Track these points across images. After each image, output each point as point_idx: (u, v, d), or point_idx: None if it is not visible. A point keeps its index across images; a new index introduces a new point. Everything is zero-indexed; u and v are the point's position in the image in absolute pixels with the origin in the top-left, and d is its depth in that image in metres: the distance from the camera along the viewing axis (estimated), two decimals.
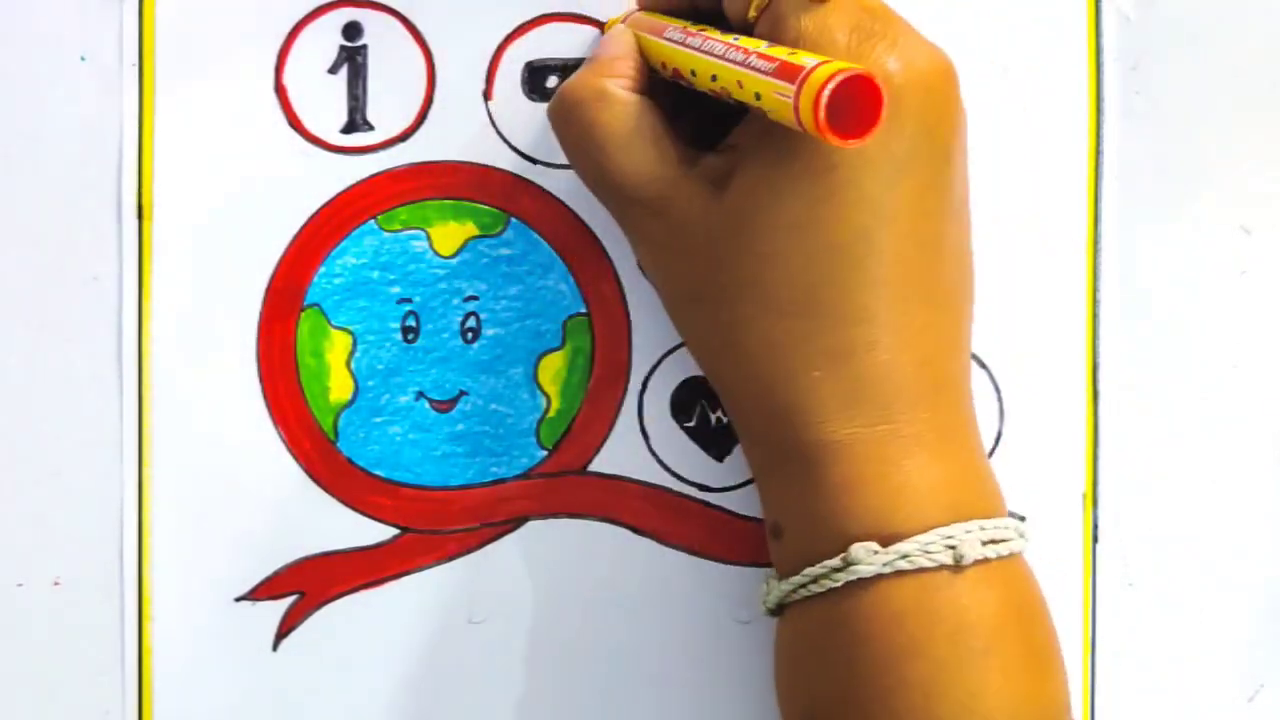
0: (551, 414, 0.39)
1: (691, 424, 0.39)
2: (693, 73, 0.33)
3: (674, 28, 0.34)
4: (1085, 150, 0.40)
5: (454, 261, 0.38)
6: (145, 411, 0.38)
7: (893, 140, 0.31)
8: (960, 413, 0.34)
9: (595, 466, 0.39)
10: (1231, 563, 0.40)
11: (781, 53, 0.30)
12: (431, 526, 0.38)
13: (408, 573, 0.38)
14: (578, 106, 0.34)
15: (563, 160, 0.38)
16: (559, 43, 0.39)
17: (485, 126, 0.38)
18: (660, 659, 0.39)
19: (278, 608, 0.38)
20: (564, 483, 0.39)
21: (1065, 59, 0.40)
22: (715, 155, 0.34)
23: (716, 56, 0.32)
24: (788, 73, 0.29)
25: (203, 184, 0.38)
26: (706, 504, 0.39)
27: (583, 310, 0.39)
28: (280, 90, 0.38)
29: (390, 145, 0.38)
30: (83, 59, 0.38)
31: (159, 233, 0.38)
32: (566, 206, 0.39)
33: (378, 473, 0.38)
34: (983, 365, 0.39)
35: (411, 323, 0.38)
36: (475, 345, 0.38)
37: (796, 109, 0.28)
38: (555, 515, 0.39)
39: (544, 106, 0.39)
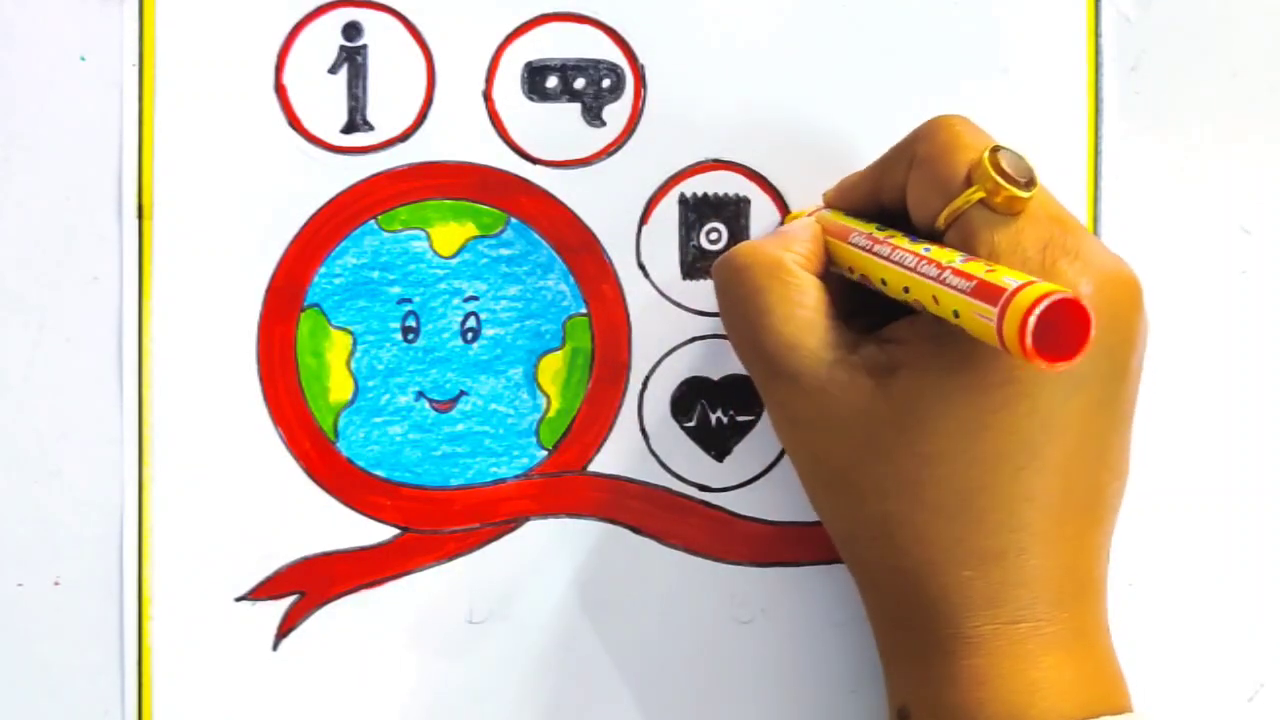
0: (551, 414, 0.39)
1: (691, 424, 0.39)
2: (883, 281, 0.33)
3: (859, 232, 0.34)
4: (1085, 150, 0.40)
5: (454, 261, 0.38)
6: (145, 411, 0.38)
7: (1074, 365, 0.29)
8: (1098, 610, 0.33)
9: (595, 466, 0.39)
10: (1231, 563, 0.40)
11: (978, 269, 0.29)
12: (431, 526, 0.38)
13: (408, 573, 0.38)
14: (749, 269, 0.34)
15: (562, 160, 0.39)
16: (559, 43, 0.39)
17: (485, 126, 0.38)
18: (660, 659, 0.39)
19: (278, 608, 0.38)
20: (564, 483, 0.39)
21: (1065, 59, 0.40)
22: (876, 346, 0.33)
23: (908, 268, 0.31)
24: (988, 293, 0.28)
25: (203, 184, 0.38)
26: (706, 504, 0.39)
27: (583, 310, 0.39)
28: (280, 90, 0.38)
29: (390, 145, 0.38)
30: (83, 59, 0.38)
31: (159, 233, 0.38)
32: (566, 206, 0.39)
33: (378, 473, 0.38)
34: None
35: (411, 323, 0.38)
36: (475, 345, 0.38)
37: (1000, 331, 0.28)
38: (555, 515, 0.39)
39: (544, 106, 0.39)
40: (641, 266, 0.39)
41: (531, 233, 0.39)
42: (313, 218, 0.38)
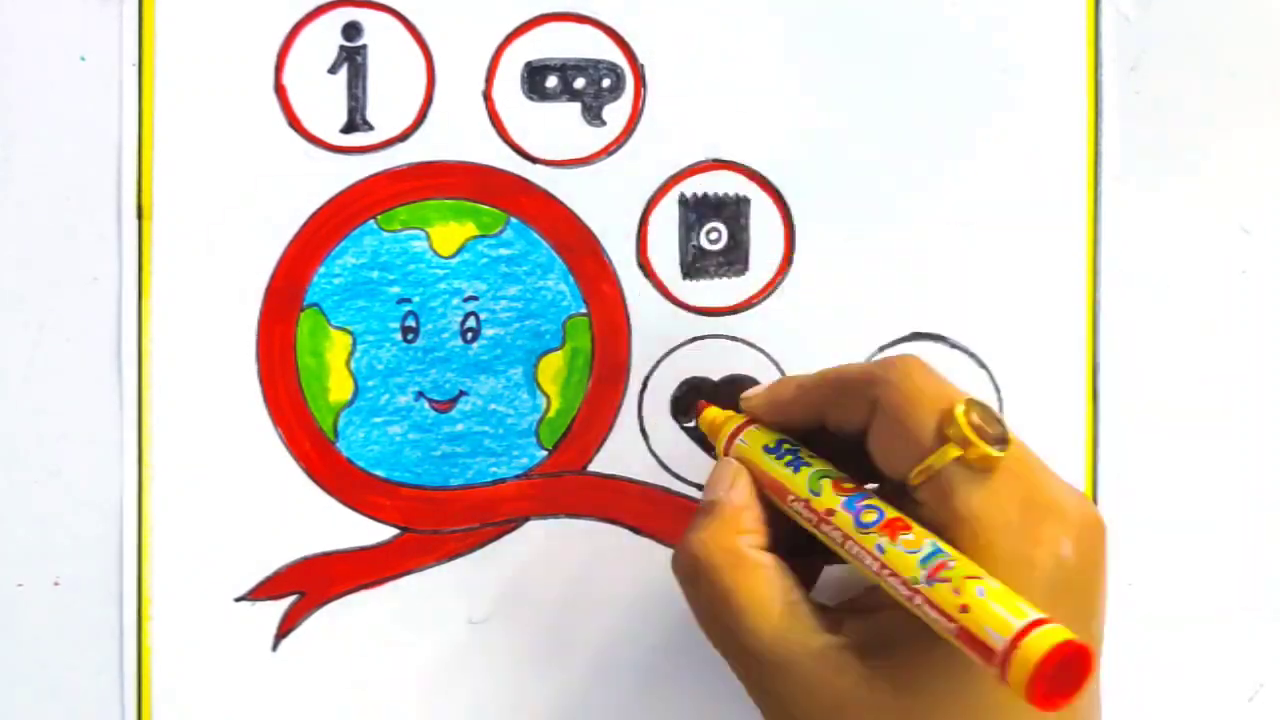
0: (551, 414, 0.39)
1: (691, 424, 0.39)
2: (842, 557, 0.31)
3: (795, 497, 0.32)
4: (1085, 150, 0.40)
5: (454, 261, 0.38)
6: (145, 411, 0.38)
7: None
8: None
9: (595, 466, 0.39)
10: (1231, 563, 0.40)
11: (949, 603, 0.28)
12: (431, 526, 0.38)
13: (408, 573, 0.38)
14: (711, 571, 0.32)
15: (562, 159, 0.39)
16: (559, 43, 0.39)
17: (485, 126, 0.39)
18: (660, 659, 0.39)
19: (278, 608, 0.38)
20: (564, 483, 0.39)
21: (1065, 59, 0.40)
22: (861, 620, 0.31)
23: (871, 570, 0.30)
24: (978, 647, 0.27)
25: (203, 184, 0.38)
26: None
27: (583, 310, 0.39)
28: (280, 90, 0.38)
29: (390, 145, 0.38)
30: (83, 59, 0.38)
31: (159, 233, 0.38)
32: (566, 206, 0.39)
33: (378, 473, 0.38)
34: (982, 365, 0.39)
35: (411, 323, 0.38)
36: (475, 345, 0.38)
37: (1004, 679, 0.27)
38: (555, 515, 0.39)
39: (544, 105, 0.39)
40: (641, 266, 0.39)
41: (531, 233, 0.39)
42: (312, 218, 0.38)
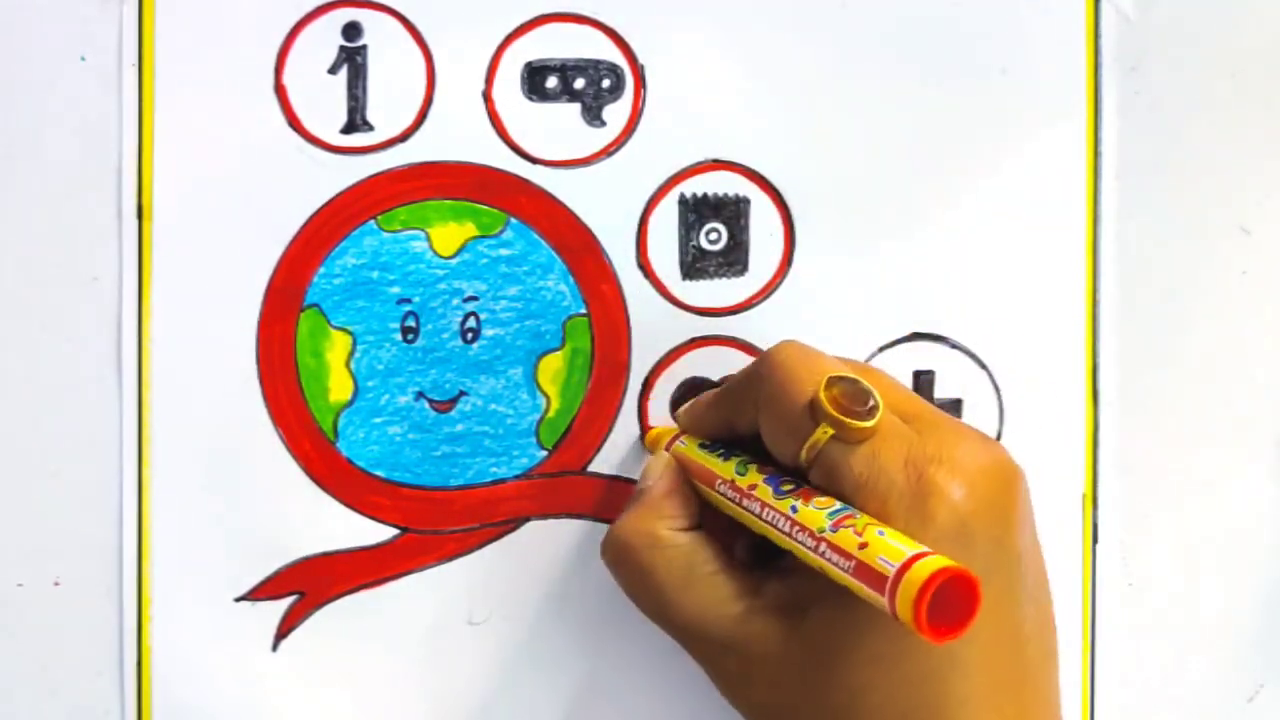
0: (551, 414, 0.39)
1: None
2: (763, 535, 0.33)
3: (722, 480, 0.34)
4: (1085, 150, 0.40)
5: (454, 262, 0.38)
6: (145, 411, 0.38)
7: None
8: None
9: (595, 466, 0.39)
10: (1231, 563, 0.40)
11: (850, 542, 0.29)
12: (431, 526, 0.38)
13: (408, 573, 0.38)
14: (629, 551, 0.34)
15: (562, 160, 0.39)
16: (559, 43, 0.39)
17: (485, 126, 0.39)
18: (660, 659, 0.39)
19: (277, 608, 0.38)
20: (564, 483, 0.39)
21: (1065, 59, 0.40)
22: (780, 582, 0.33)
23: (783, 532, 0.31)
24: (870, 578, 0.28)
25: (203, 184, 0.38)
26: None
27: (583, 310, 0.39)
28: (280, 90, 0.38)
29: (390, 145, 0.38)
30: (83, 59, 0.38)
31: (159, 233, 0.38)
32: (566, 207, 0.39)
33: (378, 473, 0.38)
34: (982, 365, 0.39)
35: (411, 323, 0.38)
36: (475, 345, 0.38)
37: (894, 612, 0.28)
38: (555, 515, 0.39)
39: (544, 106, 0.39)
40: (641, 266, 0.39)
41: (531, 233, 0.39)
42: (312, 218, 0.38)
